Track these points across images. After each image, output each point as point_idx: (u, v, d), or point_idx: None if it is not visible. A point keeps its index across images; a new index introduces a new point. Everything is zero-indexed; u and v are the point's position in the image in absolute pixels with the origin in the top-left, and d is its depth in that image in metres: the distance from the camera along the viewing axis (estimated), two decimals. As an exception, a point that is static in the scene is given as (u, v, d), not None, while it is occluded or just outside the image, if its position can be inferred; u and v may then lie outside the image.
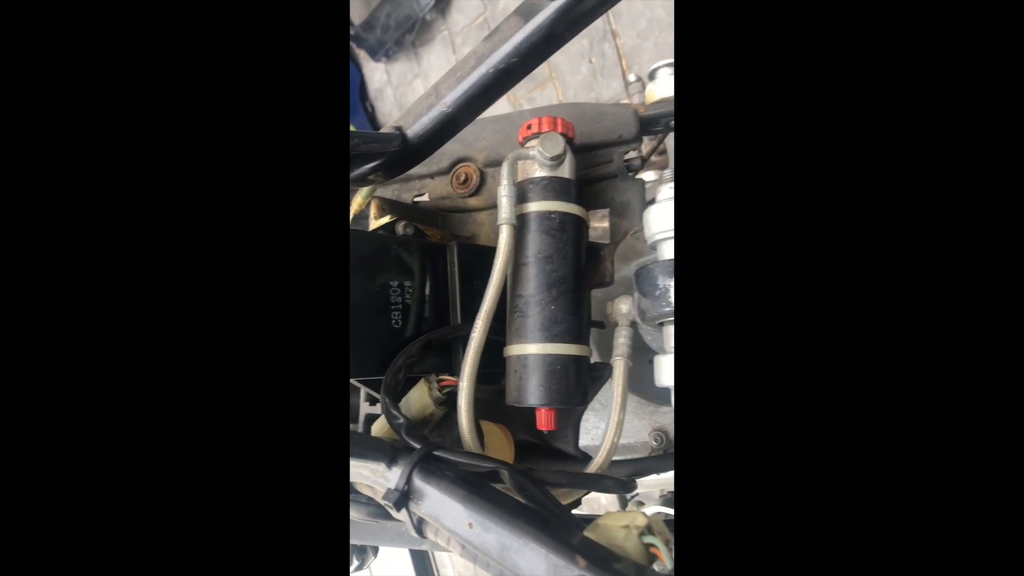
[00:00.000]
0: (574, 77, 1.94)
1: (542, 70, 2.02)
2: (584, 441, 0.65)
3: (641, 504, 0.88)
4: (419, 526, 0.44)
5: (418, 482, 0.42)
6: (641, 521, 0.36)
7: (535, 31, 0.43)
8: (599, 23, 1.82)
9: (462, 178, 0.70)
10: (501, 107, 2.22)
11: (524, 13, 0.43)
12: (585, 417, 0.71)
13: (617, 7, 1.72)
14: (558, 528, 0.37)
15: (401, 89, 2.57)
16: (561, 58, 1.95)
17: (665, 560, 0.35)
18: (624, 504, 0.82)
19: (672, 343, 0.50)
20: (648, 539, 0.36)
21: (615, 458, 0.66)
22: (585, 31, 1.60)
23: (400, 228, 0.61)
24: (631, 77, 1.05)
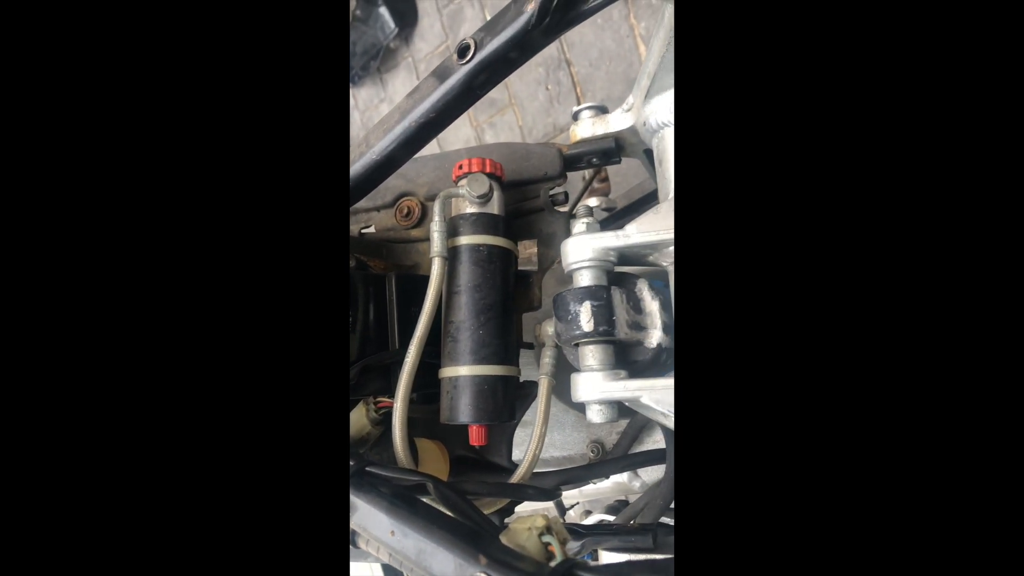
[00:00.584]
0: (532, 103, 2.02)
1: (502, 97, 2.10)
2: (520, 454, 0.70)
3: (562, 511, 0.92)
4: (353, 537, 0.48)
5: (353, 497, 0.47)
6: (540, 523, 0.41)
7: (449, 91, 0.49)
8: (554, 53, 1.90)
9: (405, 211, 0.75)
10: (463, 129, 2.29)
11: (439, 75, 0.49)
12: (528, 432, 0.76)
13: (569, 38, 1.81)
14: (469, 533, 0.42)
15: (368, 113, 2.63)
16: (520, 85, 2.03)
17: (558, 555, 0.40)
18: (563, 513, 0.87)
19: (586, 362, 0.56)
20: (546, 539, 0.41)
21: (546, 469, 0.71)
22: (541, 60, 1.68)
23: (342, 261, 0.66)
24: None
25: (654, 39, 0.56)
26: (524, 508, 0.75)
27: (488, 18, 2.14)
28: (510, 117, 2.10)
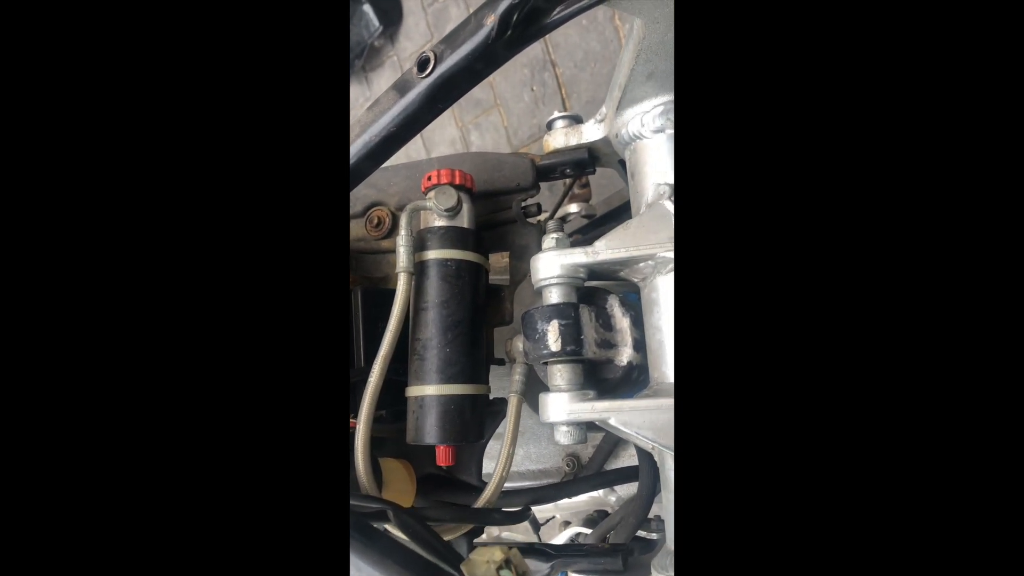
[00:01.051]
0: (517, 104, 2.00)
1: (487, 97, 2.08)
2: (491, 469, 0.69)
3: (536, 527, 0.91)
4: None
5: (305, 525, 0.45)
6: (499, 556, 0.40)
7: (409, 105, 0.47)
8: (539, 54, 1.89)
9: (375, 221, 0.73)
10: (448, 130, 2.27)
11: (399, 88, 0.47)
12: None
13: (554, 39, 1.79)
14: (425, 569, 0.40)
15: (354, 112, 2.60)
16: (505, 86, 2.01)
17: (516, 588, 0.38)
18: (537, 528, 0.86)
19: (554, 382, 0.54)
20: (503, 573, 0.39)
21: (520, 483, 0.69)
22: (526, 61, 1.65)
23: (307, 275, 0.64)
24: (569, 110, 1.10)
25: (624, 51, 0.55)
26: (493, 529, 0.74)
27: (469, 9, 2.12)
28: (495, 118, 2.08)
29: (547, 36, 1.88)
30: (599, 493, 0.83)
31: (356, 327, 0.63)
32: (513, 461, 0.82)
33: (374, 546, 0.42)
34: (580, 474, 0.78)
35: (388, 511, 0.47)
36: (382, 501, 0.48)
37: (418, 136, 2.48)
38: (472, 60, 0.44)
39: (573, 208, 1.13)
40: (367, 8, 2.23)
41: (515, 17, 0.42)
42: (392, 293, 0.64)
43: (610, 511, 0.85)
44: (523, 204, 0.68)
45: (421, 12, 2.23)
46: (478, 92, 2.12)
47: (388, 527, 0.48)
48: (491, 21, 0.42)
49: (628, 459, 0.76)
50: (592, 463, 0.76)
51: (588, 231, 0.98)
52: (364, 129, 0.49)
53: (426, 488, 0.63)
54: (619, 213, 0.98)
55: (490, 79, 2.07)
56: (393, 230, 0.73)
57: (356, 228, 0.74)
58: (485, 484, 0.65)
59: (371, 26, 2.25)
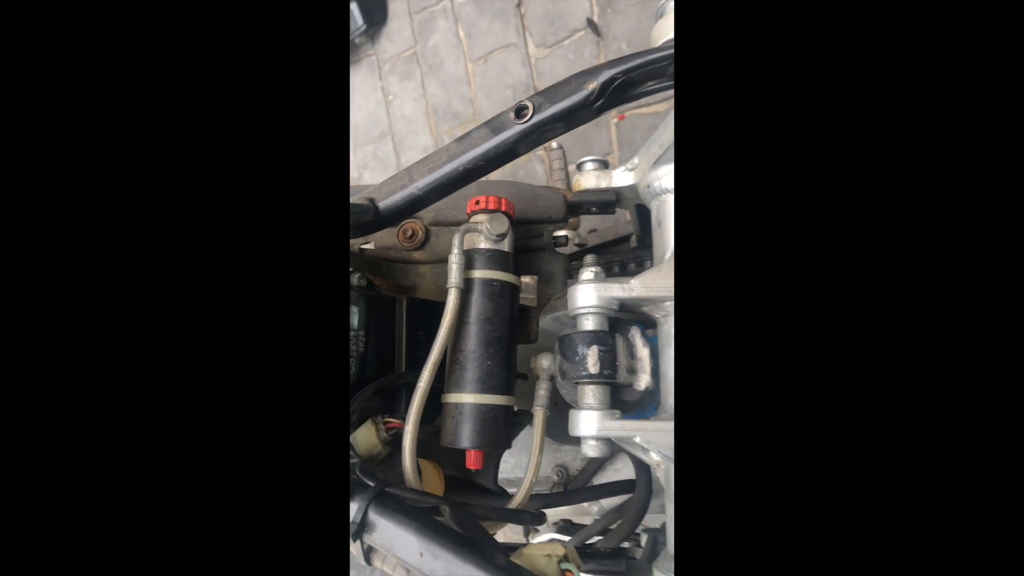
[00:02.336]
0: (496, 122, 2.07)
1: (467, 111, 2.13)
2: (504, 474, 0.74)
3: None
4: (368, 555, 0.50)
5: (372, 516, 0.49)
6: (560, 551, 0.46)
7: (499, 144, 0.53)
8: (524, 78, 1.97)
9: (409, 233, 0.77)
10: (422, 136, 2.28)
11: (494, 128, 0.53)
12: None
13: (541, 68, 1.88)
14: (494, 556, 0.46)
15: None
16: (485, 103, 2.08)
17: (577, 581, 0.45)
18: (526, 531, 0.92)
19: (586, 400, 0.61)
20: (565, 566, 0.46)
21: (514, 490, 0.75)
22: (511, 83, 1.72)
23: (355, 280, 0.67)
24: (553, 144, 1.18)
25: (671, 112, 0.63)
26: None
27: (461, 33, 2.15)
28: (472, 132, 2.14)
29: (534, 63, 1.96)
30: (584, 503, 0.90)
31: (399, 334, 0.66)
32: (506, 469, 0.88)
33: (448, 537, 0.46)
34: (569, 485, 0.84)
35: (443, 507, 0.52)
36: (437, 497, 0.52)
37: (388, 138, 2.47)
38: (566, 115, 0.51)
39: (559, 233, 1.21)
40: (353, 6, 2.23)
41: (610, 88, 0.49)
42: (430, 304, 0.69)
43: (585, 521, 0.92)
44: (554, 235, 0.75)
45: (407, 17, 2.25)
46: (457, 104, 2.16)
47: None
48: (592, 87, 0.48)
49: (613, 473, 0.84)
50: (582, 475, 0.83)
51: (577, 258, 1.05)
52: (453, 158, 0.54)
53: (447, 488, 0.67)
54: (612, 245, 1.07)
55: (471, 93, 2.13)
56: (425, 243, 0.77)
57: (388, 237, 0.78)
58: (500, 489, 0.71)
59: (355, 23, 2.25)
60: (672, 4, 0.49)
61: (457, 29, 2.12)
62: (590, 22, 1.80)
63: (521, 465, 0.88)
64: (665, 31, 0.48)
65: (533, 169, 2.00)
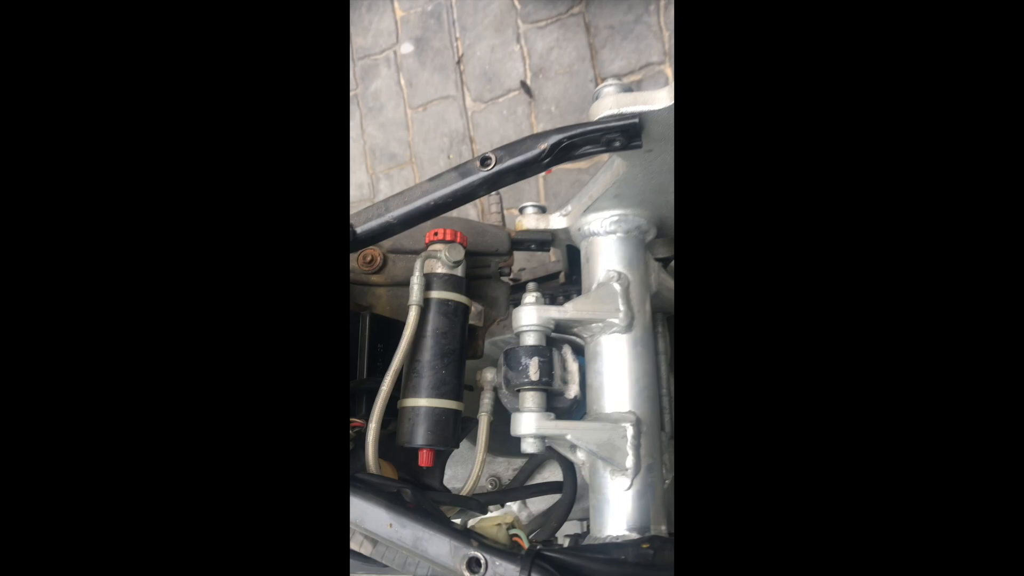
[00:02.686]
0: (432, 166, 2.19)
1: (403, 153, 2.24)
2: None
3: None
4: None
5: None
6: (509, 519, 0.56)
7: (466, 186, 0.65)
8: (461, 128, 2.12)
9: (368, 258, 0.86)
10: (358, 174, 2.35)
11: (462, 172, 0.65)
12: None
13: (476, 119, 2.05)
14: (453, 525, 0.54)
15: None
16: (423, 147, 2.20)
17: (524, 544, 0.54)
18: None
19: (526, 405, 0.72)
20: (513, 531, 0.55)
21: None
22: (448, 131, 1.88)
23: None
24: (492, 190, 1.31)
25: (601, 174, 0.78)
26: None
27: (403, 81, 2.27)
28: (408, 173, 2.25)
29: (470, 115, 2.12)
30: (514, 508, 0.99)
31: (361, 346, 0.74)
32: (445, 480, 0.95)
33: (412, 509, 0.54)
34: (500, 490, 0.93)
35: (405, 491, 0.60)
36: (399, 482, 0.60)
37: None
38: (521, 167, 0.64)
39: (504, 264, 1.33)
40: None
41: (557, 149, 0.62)
42: (386, 320, 0.77)
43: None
44: (499, 266, 0.86)
45: (350, 62, 2.35)
46: (395, 146, 2.27)
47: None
48: (544, 147, 0.62)
49: (542, 481, 0.94)
50: (514, 483, 0.93)
51: (517, 292, 1.18)
52: (425, 194, 0.65)
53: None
54: (544, 281, 1.20)
55: (409, 137, 2.25)
56: (383, 268, 0.86)
57: (350, 261, 0.86)
58: (446, 489, 0.79)
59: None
60: (606, 89, 0.63)
61: (399, 78, 2.26)
62: (523, 84, 1.99)
63: (459, 476, 0.96)
64: (600, 110, 0.62)
65: (465, 210, 2.13)
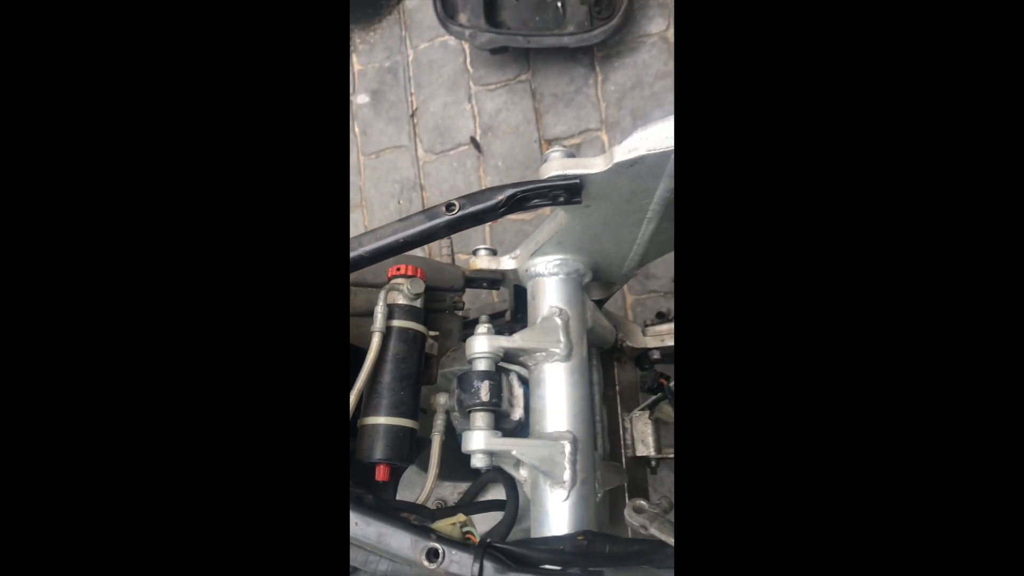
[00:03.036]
0: (382, 210, 2.28)
1: (354, 197, 2.32)
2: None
3: None
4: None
5: (313, 500, 0.62)
6: (462, 519, 0.63)
7: (431, 227, 0.74)
8: (411, 176, 2.24)
9: (332, 290, 0.93)
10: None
11: (429, 216, 0.75)
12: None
13: (427, 168, 2.17)
14: (412, 524, 0.61)
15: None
16: (374, 192, 2.29)
17: (476, 539, 0.61)
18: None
19: (476, 424, 0.80)
20: (466, 528, 0.62)
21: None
22: (399, 178, 1.99)
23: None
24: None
25: (547, 223, 0.90)
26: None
27: (356, 129, 2.36)
28: (358, 216, 2.32)
29: (421, 164, 2.24)
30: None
31: (327, 367, 0.81)
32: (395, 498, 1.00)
33: (376, 509, 0.61)
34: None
35: (366, 496, 0.66)
36: (359, 489, 0.66)
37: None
38: (480, 214, 0.75)
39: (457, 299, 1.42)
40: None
41: (512, 201, 0.74)
42: (352, 348, 0.84)
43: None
44: (453, 300, 0.96)
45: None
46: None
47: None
48: (501, 198, 0.73)
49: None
50: (460, 503, 0.99)
51: (468, 326, 1.27)
52: (395, 232, 0.74)
53: (355, 502, 0.80)
54: (495, 319, 1.30)
55: (360, 182, 2.34)
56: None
57: (314, 291, 0.93)
58: (401, 503, 0.84)
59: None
60: (553, 154, 0.76)
61: (353, 126, 2.36)
62: (473, 140, 2.15)
63: (405, 499, 1.01)
64: (548, 170, 0.74)
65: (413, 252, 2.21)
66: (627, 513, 0.67)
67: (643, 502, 0.65)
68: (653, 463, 1.10)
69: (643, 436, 1.07)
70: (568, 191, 0.72)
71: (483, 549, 0.58)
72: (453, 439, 0.93)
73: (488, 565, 0.56)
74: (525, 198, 0.74)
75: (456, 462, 1.01)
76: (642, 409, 1.07)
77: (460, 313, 0.98)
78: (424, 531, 0.59)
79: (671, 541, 0.61)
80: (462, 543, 0.58)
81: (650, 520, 0.63)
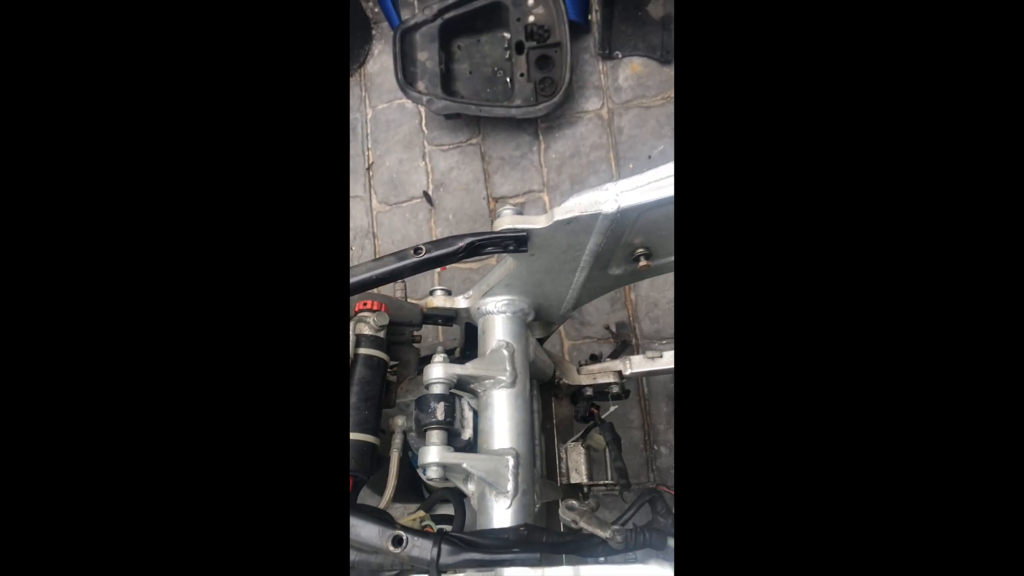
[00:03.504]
0: (335, 255, 2.37)
1: (308, 241, 2.40)
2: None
3: None
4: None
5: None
6: (422, 515, 0.74)
7: (399, 268, 0.88)
8: (365, 224, 2.36)
9: (302, 322, 1.03)
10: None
11: (398, 257, 0.88)
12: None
13: (380, 218, 2.30)
14: (380, 516, 0.71)
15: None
16: (327, 237, 2.39)
17: (434, 530, 0.72)
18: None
19: (432, 440, 0.91)
20: (425, 523, 0.73)
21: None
22: (353, 227, 2.12)
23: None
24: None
25: (497, 268, 1.05)
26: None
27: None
28: (310, 259, 2.39)
29: (375, 214, 2.36)
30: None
31: (299, 388, 0.90)
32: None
33: (351, 508, 0.71)
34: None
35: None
36: (332, 493, 0.75)
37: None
38: (441, 259, 0.89)
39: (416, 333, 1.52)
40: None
41: (471, 247, 0.89)
42: (320, 371, 0.94)
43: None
44: (413, 334, 1.08)
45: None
46: (299, 234, 2.43)
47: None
48: (461, 245, 0.88)
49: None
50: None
51: (424, 360, 1.37)
52: (369, 270, 0.87)
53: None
54: (451, 353, 1.41)
55: (314, 228, 2.43)
56: (314, 330, 1.04)
57: (285, 322, 1.03)
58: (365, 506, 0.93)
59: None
60: (505, 211, 0.91)
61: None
62: (426, 194, 2.31)
63: (358, 521, 1.08)
64: (500, 224, 0.89)
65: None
66: (561, 510, 0.78)
67: (575, 501, 0.78)
68: (585, 490, 1.23)
69: (576, 465, 1.20)
70: (517, 241, 0.87)
71: (440, 536, 0.68)
72: (408, 463, 1.02)
73: (444, 548, 0.66)
74: (481, 245, 0.89)
75: (407, 486, 1.10)
76: (575, 440, 1.20)
77: (416, 346, 1.10)
78: (389, 522, 0.69)
79: (601, 533, 0.73)
80: (422, 532, 0.69)
81: (580, 516, 0.75)
